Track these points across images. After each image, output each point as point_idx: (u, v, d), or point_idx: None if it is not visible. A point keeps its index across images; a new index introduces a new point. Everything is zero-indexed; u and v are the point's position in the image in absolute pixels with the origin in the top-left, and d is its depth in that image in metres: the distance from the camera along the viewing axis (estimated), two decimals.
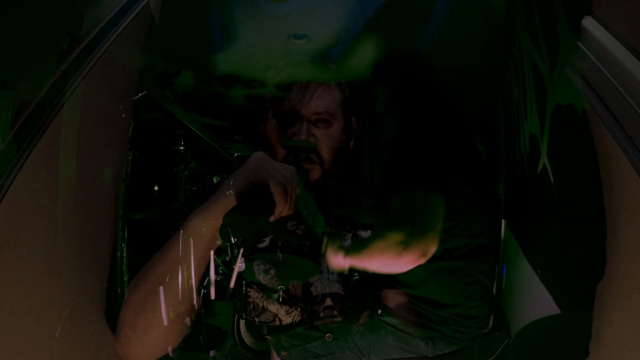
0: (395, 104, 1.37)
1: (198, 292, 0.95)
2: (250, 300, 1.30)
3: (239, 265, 1.29)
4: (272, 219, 0.89)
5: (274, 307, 1.25)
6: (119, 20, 1.04)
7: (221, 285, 1.35)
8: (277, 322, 1.26)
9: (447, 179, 1.11)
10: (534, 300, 1.18)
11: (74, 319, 0.89)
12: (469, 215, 1.16)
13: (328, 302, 1.23)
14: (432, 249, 1.02)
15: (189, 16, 1.55)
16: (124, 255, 1.12)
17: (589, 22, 0.75)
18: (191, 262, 0.87)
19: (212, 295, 1.17)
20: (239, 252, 1.29)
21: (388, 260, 1.06)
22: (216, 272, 1.32)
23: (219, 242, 1.13)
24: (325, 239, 1.10)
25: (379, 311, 1.21)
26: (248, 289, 1.27)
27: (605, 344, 0.71)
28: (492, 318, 1.45)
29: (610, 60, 0.67)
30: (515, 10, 1.40)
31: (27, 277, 0.76)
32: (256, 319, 1.29)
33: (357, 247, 1.11)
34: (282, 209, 0.87)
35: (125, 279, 1.10)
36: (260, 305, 1.28)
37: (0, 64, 0.72)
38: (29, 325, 0.77)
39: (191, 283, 0.88)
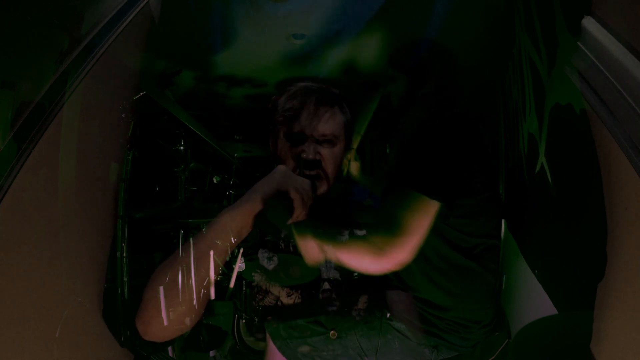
0: (416, 98, 1.35)
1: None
2: (255, 283, 1.39)
3: (239, 265, 1.30)
4: (289, 221, 1.04)
5: (275, 290, 1.35)
6: (119, 20, 1.04)
7: (221, 285, 1.35)
8: (279, 304, 1.35)
9: (451, 182, 1.10)
10: (534, 300, 1.18)
11: (74, 319, 0.89)
12: (483, 216, 1.16)
13: (326, 285, 1.33)
14: (407, 259, 1.03)
15: (189, 16, 1.55)
16: (124, 255, 1.11)
17: (588, 22, 0.75)
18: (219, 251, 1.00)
19: (212, 295, 1.17)
20: (239, 252, 1.30)
21: (361, 262, 1.08)
22: (216, 272, 1.33)
23: (219, 243, 1.13)
24: (293, 229, 1.15)
25: (387, 314, 1.21)
26: (253, 273, 1.38)
27: (605, 344, 0.71)
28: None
29: (609, 59, 0.67)
30: (514, 10, 1.40)
31: (27, 277, 0.76)
32: (260, 303, 1.38)
33: (337, 242, 1.13)
34: (299, 214, 1.03)
35: (125, 279, 1.10)
36: (264, 287, 1.37)
37: (0, 64, 0.72)
38: (29, 325, 0.77)
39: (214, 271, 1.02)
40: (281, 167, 1.07)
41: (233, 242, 1.01)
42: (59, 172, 0.84)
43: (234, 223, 1.00)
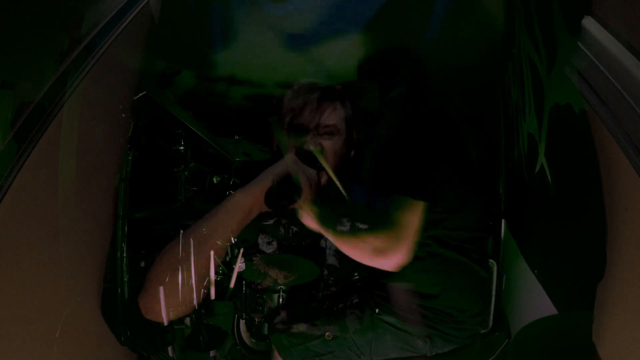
0: (387, 102, 1.38)
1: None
2: (255, 267, 1.46)
3: (239, 265, 1.30)
4: (298, 204, 1.12)
5: (273, 272, 1.44)
6: (119, 20, 1.04)
7: (221, 285, 1.35)
8: (278, 287, 1.41)
9: (430, 182, 1.13)
10: (534, 300, 1.18)
11: (74, 319, 0.89)
12: (461, 210, 1.17)
13: (324, 272, 1.41)
14: (405, 260, 1.08)
15: (189, 16, 1.55)
16: (124, 255, 1.11)
17: (588, 22, 0.75)
18: (228, 231, 1.11)
19: (212, 295, 1.18)
20: (239, 252, 1.30)
21: (358, 257, 1.12)
22: (216, 272, 1.33)
23: (219, 243, 1.14)
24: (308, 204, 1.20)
25: (377, 310, 1.22)
26: (253, 258, 1.47)
27: (605, 343, 0.71)
28: (491, 318, 1.45)
29: (609, 59, 0.67)
30: (514, 10, 1.40)
31: (27, 277, 0.76)
32: (258, 287, 1.43)
33: (332, 227, 1.18)
34: (307, 195, 1.12)
35: (125, 279, 1.10)
36: (262, 270, 1.45)
37: (0, 64, 0.72)
38: (29, 325, 0.77)
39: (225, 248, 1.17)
40: (291, 156, 1.18)
41: (243, 219, 1.11)
42: (59, 172, 0.85)
43: (247, 199, 1.11)
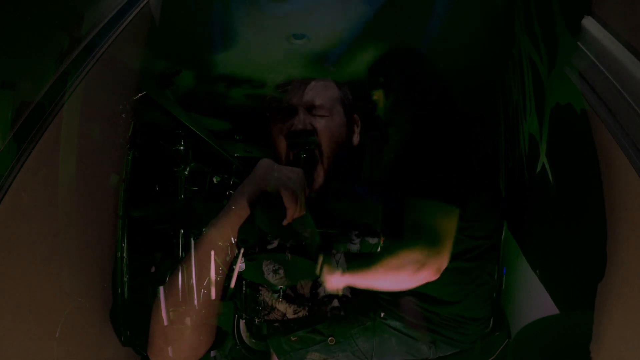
0: (400, 107, 1.35)
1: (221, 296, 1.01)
2: (261, 299, 1.32)
3: (239, 265, 1.29)
4: (285, 222, 0.90)
5: (282, 306, 1.28)
6: (119, 20, 1.04)
7: (221, 285, 1.34)
8: (285, 319, 1.29)
9: (463, 187, 1.09)
10: (534, 300, 1.18)
11: (74, 319, 0.89)
12: (484, 218, 1.15)
13: (335, 303, 1.24)
14: (445, 266, 1.02)
15: (189, 16, 1.55)
16: (124, 255, 1.11)
17: (588, 22, 0.75)
18: (210, 268, 0.93)
19: (212, 295, 1.17)
20: (239, 252, 1.29)
21: (399, 279, 1.03)
22: (216, 272, 1.32)
23: (220, 244, 1.12)
24: (320, 258, 1.09)
25: (382, 314, 1.21)
26: (260, 287, 1.30)
27: (605, 344, 0.71)
28: (492, 318, 1.45)
29: (609, 59, 0.67)
30: (514, 10, 1.40)
31: (27, 277, 0.76)
32: (265, 318, 1.31)
33: (359, 264, 1.07)
34: (293, 213, 0.89)
35: (126, 279, 1.10)
36: (270, 303, 1.31)
37: (0, 64, 0.72)
38: (30, 325, 0.77)
39: (212, 289, 0.95)
40: (263, 161, 0.94)
41: (227, 256, 0.93)
42: (59, 172, 0.85)
43: (223, 237, 0.90)
